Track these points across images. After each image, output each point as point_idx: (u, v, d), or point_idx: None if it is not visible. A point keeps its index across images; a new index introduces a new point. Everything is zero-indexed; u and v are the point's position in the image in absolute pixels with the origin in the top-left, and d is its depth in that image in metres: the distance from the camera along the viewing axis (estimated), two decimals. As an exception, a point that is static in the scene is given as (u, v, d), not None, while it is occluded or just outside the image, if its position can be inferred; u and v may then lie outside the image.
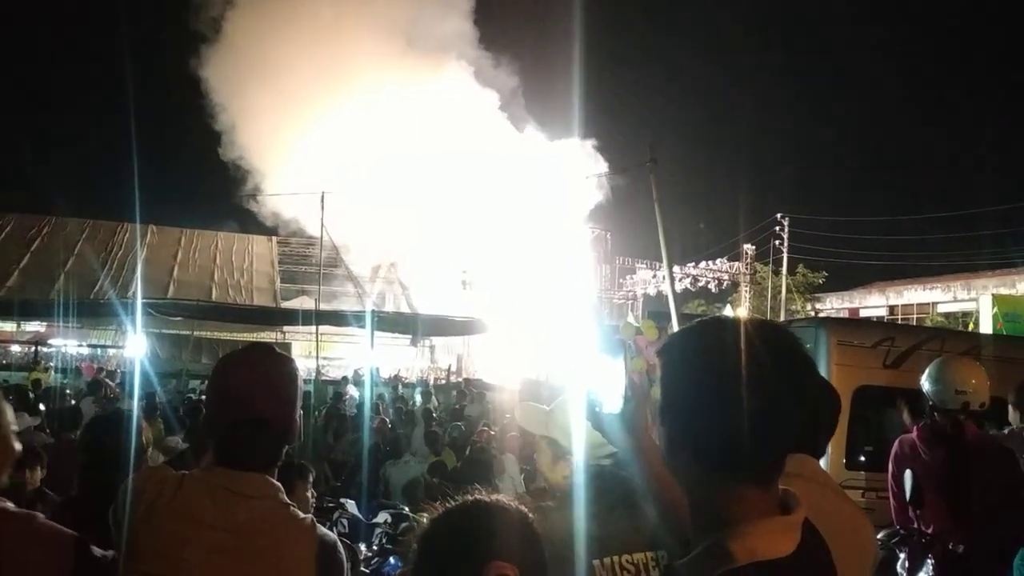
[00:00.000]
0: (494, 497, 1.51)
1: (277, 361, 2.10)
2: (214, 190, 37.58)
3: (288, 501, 2.01)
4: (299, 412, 2.11)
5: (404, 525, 6.09)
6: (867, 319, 33.39)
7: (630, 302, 40.36)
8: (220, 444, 2.03)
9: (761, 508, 1.26)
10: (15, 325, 28.99)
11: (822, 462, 2.88)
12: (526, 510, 1.51)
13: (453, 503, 1.49)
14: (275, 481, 2.02)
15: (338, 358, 32.75)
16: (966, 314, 32.47)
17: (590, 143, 37.52)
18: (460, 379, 25.13)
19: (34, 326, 30.18)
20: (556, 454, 2.58)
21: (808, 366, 1.34)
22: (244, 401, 2.00)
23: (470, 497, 1.50)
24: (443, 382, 24.59)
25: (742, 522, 1.24)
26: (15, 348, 26.49)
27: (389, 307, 36.35)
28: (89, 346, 30.07)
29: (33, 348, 25.28)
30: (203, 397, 14.56)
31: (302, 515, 2.01)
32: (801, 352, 1.32)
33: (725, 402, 1.24)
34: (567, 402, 2.70)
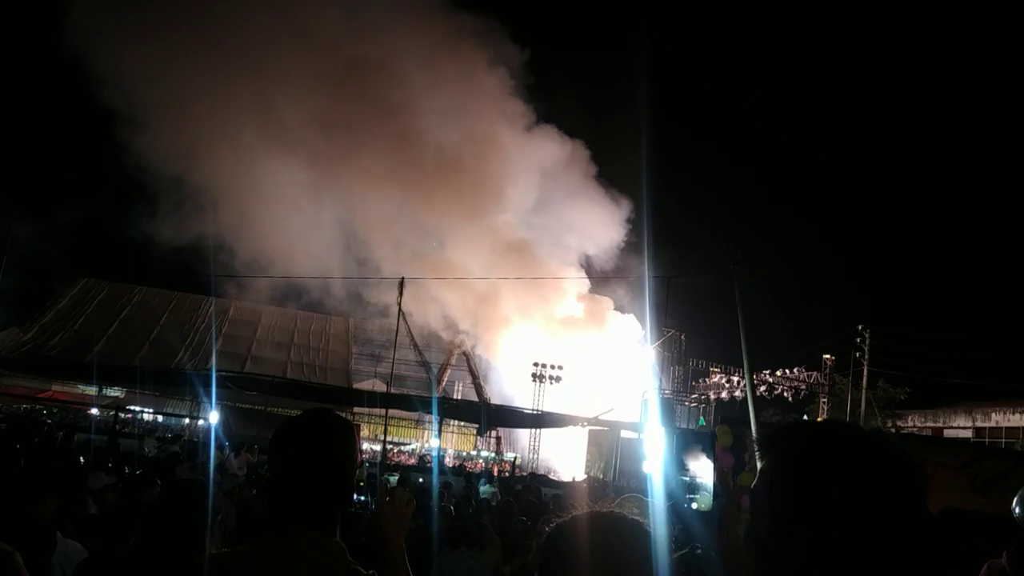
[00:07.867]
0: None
1: (332, 421, 2.13)
2: (288, 271, 38.44)
3: (352, 560, 2.01)
4: (355, 475, 2.11)
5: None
6: (954, 439, 32.06)
7: (702, 405, 39.57)
8: (273, 498, 2.06)
9: None
10: (97, 389, 29.85)
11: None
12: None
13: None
14: (337, 541, 2.03)
15: (404, 442, 32.78)
16: (1060, 441, 30.96)
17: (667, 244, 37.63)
18: (524, 473, 24.80)
19: (115, 391, 31.03)
20: None
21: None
22: (293, 455, 2.05)
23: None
24: (507, 475, 24.29)
25: None
26: (94, 411, 27.28)
27: (459, 396, 36.41)
28: (164, 414, 30.67)
29: (112, 413, 25.92)
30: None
31: (365, 571, 2.01)
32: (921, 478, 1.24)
33: (844, 523, 1.16)
34: (630, 502, 2.62)
